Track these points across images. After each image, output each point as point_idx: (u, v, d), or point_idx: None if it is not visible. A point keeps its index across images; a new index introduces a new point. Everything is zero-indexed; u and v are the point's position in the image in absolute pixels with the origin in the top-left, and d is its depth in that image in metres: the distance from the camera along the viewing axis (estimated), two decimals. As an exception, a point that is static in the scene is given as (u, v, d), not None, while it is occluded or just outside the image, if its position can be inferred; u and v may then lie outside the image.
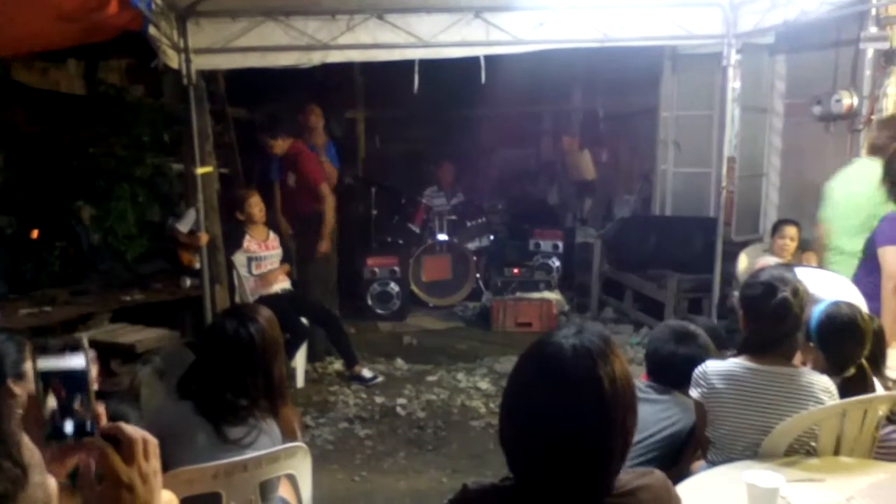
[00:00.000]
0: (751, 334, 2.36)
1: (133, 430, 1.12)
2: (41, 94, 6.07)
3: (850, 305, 2.53)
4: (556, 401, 1.32)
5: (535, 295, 6.52)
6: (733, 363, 2.33)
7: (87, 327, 4.81)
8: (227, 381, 2.22)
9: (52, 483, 1.05)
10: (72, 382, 1.12)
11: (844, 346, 2.41)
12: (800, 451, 2.24)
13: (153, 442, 1.14)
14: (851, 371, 2.39)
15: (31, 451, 1.01)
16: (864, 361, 2.39)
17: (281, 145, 5.64)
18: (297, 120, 6.02)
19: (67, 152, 6.18)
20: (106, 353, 4.42)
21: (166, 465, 2.04)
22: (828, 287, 2.94)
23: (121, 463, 1.09)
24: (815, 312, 2.46)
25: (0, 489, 0.94)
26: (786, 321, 2.27)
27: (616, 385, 1.32)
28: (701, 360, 2.51)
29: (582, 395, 1.31)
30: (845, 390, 2.32)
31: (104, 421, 1.14)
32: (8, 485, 0.94)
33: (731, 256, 5.44)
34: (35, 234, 5.88)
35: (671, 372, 2.60)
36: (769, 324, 2.29)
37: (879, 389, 2.43)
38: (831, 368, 2.40)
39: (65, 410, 1.11)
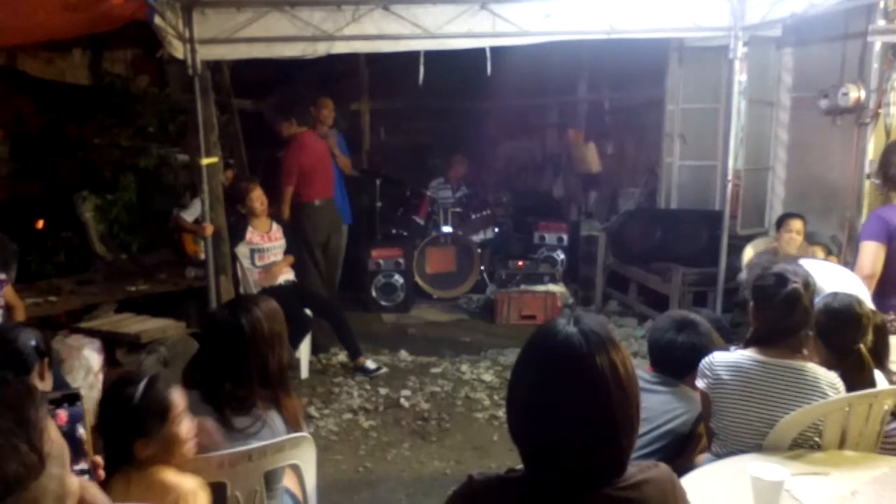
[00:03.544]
0: (759, 325, 2.37)
1: None
2: (46, 85, 6.08)
3: (847, 295, 2.55)
4: (568, 388, 1.34)
5: (540, 288, 6.52)
6: (740, 355, 2.34)
7: (92, 317, 4.83)
8: (224, 370, 2.23)
9: (73, 482, 1.05)
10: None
11: (841, 333, 2.42)
12: (804, 444, 2.24)
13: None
14: (849, 360, 2.40)
15: (56, 443, 1.01)
16: (861, 347, 2.39)
17: (288, 128, 5.65)
18: (309, 112, 6.02)
19: (72, 143, 6.19)
20: (111, 342, 4.44)
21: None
22: (832, 278, 2.96)
23: None
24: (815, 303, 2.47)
25: (13, 471, 0.94)
26: (795, 312, 2.27)
27: (627, 368, 1.36)
28: (703, 347, 2.52)
29: (594, 380, 1.33)
30: (843, 378, 2.32)
31: (101, 473, 1.16)
32: (21, 469, 0.95)
33: (736, 250, 5.43)
34: (40, 224, 5.90)
35: (673, 360, 2.60)
36: (778, 314, 2.29)
37: (883, 383, 2.43)
38: (831, 356, 2.41)
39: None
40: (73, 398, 1.30)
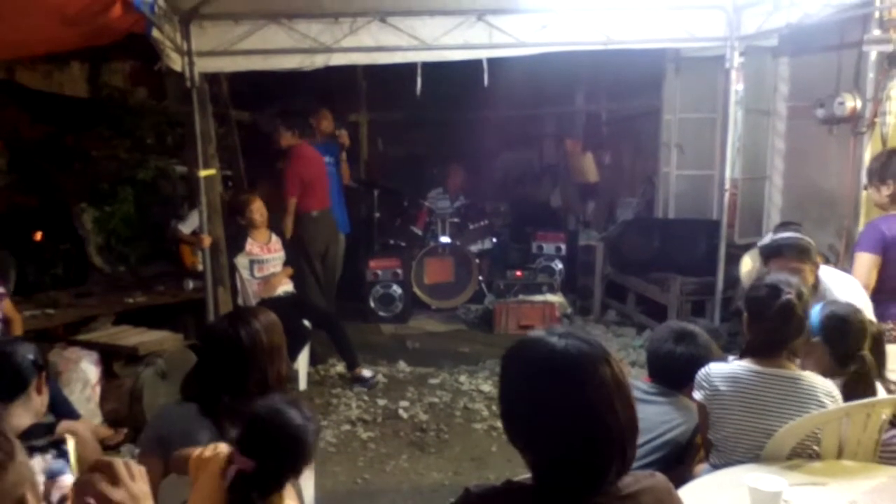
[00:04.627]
0: (754, 336, 2.37)
1: (112, 459, 1.18)
2: (45, 97, 6.09)
3: (846, 303, 2.59)
4: (565, 400, 1.34)
5: (538, 297, 6.52)
6: (737, 365, 2.34)
7: (89, 329, 4.82)
8: (223, 382, 2.22)
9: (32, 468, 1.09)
10: None
11: (849, 338, 2.43)
12: (802, 454, 2.24)
13: (137, 467, 1.20)
14: (853, 366, 2.40)
15: (13, 431, 1.05)
16: (866, 353, 2.40)
17: (288, 139, 5.66)
18: (309, 123, 6.04)
19: (70, 155, 6.20)
20: (108, 355, 4.43)
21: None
22: (846, 288, 3.01)
23: (108, 486, 1.14)
24: (815, 311, 2.48)
25: None
26: (790, 323, 2.28)
27: (622, 378, 1.38)
28: (701, 359, 2.52)
29: (591, 392, 1.34)
30: (848, 386, 2.33)
31: None
32: (1, 455, 0.99)
33: (734, 259, 5.42)
34: (38, 236, 5.90)
35: (672, 371, 2.60)
36: (773, 325, 2.29)
37: (881, 392, 2.43)
38: (837, 362, 2.41)
39: None
40: (60, 442, 1.30)
